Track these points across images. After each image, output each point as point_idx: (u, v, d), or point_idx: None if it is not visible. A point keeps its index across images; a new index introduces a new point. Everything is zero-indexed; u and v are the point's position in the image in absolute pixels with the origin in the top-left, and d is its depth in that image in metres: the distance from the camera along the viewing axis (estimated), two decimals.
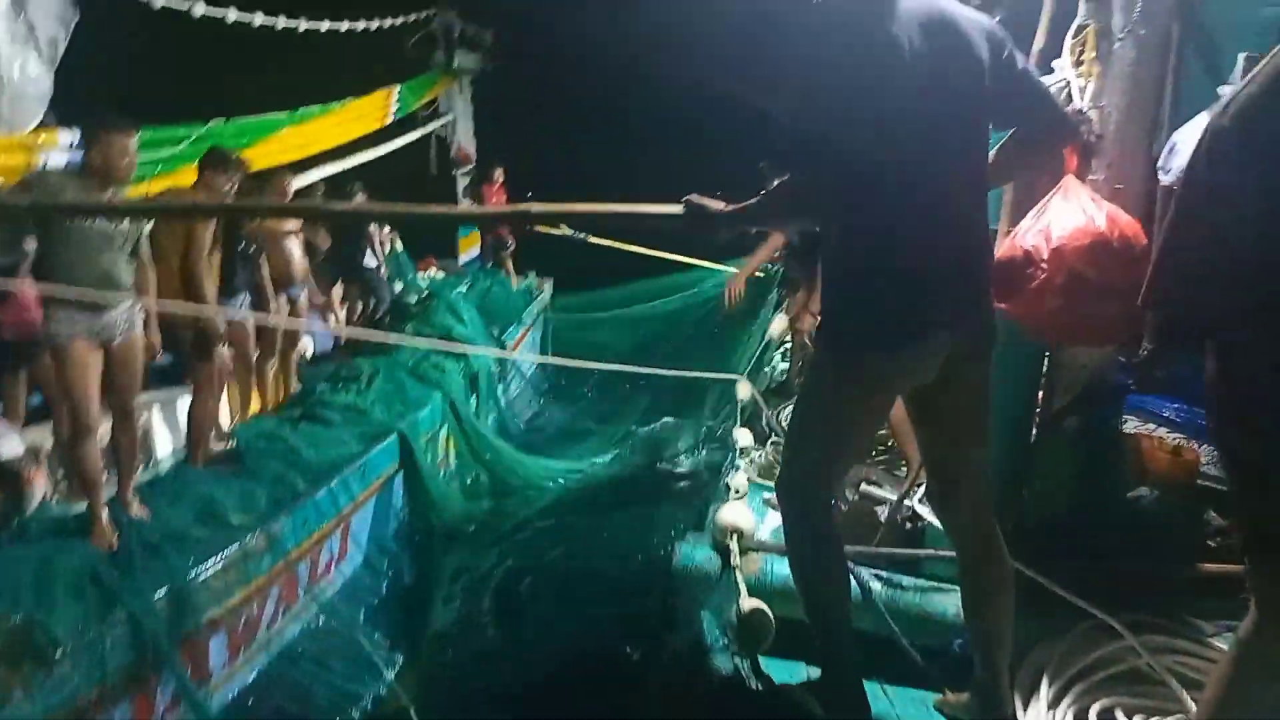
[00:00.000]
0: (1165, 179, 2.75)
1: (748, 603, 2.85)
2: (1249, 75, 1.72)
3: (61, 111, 4.48)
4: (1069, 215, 2.60)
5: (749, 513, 3.48)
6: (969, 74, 2.13)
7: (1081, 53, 3.03)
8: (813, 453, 2.37)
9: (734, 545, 3.25)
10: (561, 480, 7.69)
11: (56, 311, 3.71)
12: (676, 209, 2.43)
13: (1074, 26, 3.05)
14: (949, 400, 2.27)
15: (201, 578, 3.94)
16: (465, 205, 11.65)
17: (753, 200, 2.31)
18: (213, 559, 4.05)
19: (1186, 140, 2.68)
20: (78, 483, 4.12)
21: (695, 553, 3.33)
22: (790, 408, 5.73)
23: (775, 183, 2.26)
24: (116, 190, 3.91)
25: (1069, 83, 3.02)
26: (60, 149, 4.62)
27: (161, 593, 3.70)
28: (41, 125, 4.31)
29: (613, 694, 4.01)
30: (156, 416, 5.24)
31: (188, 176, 5.47)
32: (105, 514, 3.90)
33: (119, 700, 3.48)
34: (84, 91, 4.52)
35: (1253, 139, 1.67)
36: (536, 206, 2.82)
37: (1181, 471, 3.41)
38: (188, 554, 3.98)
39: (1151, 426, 4.22)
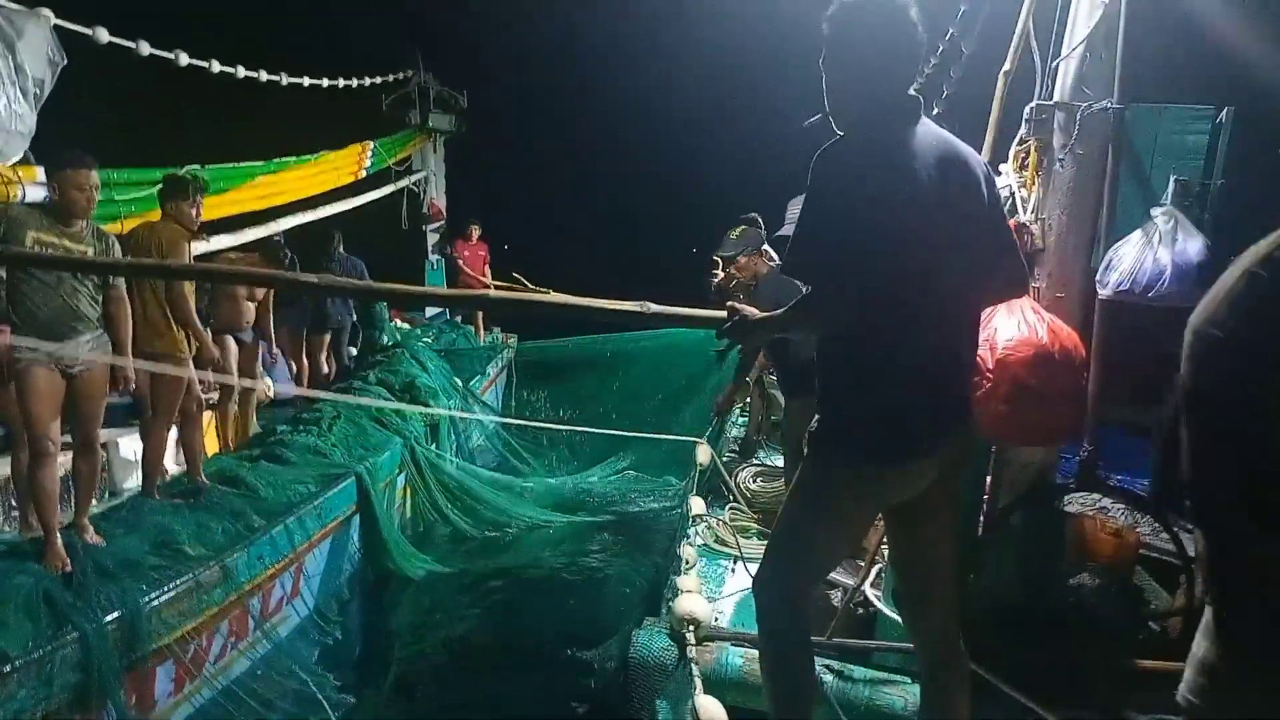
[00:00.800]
0: (1102, 292, 2.96)
1: (702, 700, 2.87)
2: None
3: (40, 149, 4.64)
4: (1012, 327, 2.75)
5: (704, 601, 3.55)
6: (973, 213, 2.26)
7: (1024, 162, 3.23)
8: (796, 556, 2.39)
9: (690, 636, 3.31)
10: (516, 532, 7.76)
11: (19, 339, 3.81)
12: (720, 314, 2.46)
13: (1018, 137, 3.26)
14: (929, 508, 2.33)
15: (152, 605, 3.99)
16: (442, 287, 11.79)
17: (783, 311, 2.33)
18: (164, 587, 4.10)
19: (1123, 255, 2.91)
20: (31, 510, 4.18)
21: (652, 641, 3.39)
22: (747, 469, 5.93)
23: (802, 296, 2.30)
24: (78, 223, 4.03)
25: (1013, 191, 3.21)
26: (36, 183, 4.79)
27: (112, 617, 3.75)
28: (22, 161, 4.46)
29: None
30: (119, 450, 5.30)
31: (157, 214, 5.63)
32: (59, 539, 3.96)
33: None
34: (65, 132, 4.65)
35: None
36: (653, 307, 2.67)
37: (1122, 552, 3.49)
38: (140, 581, 4.03)
39: (1096, 497, 4.36)
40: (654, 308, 2.63)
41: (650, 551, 6.89)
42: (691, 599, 3.51)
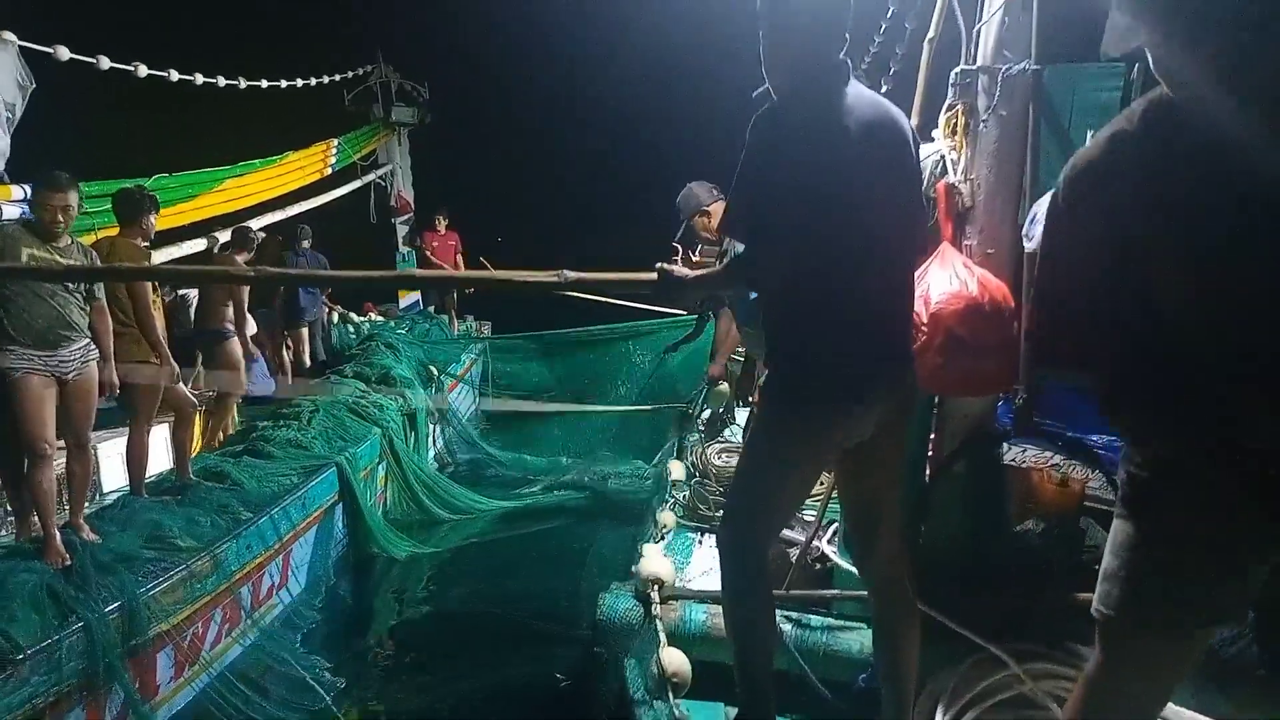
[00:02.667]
0: (1029, 245, 2.97)
1: (667, 652, 3.01)
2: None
3: (15, 169, 4.84)
4: (945, 281, 2.83)
5: (668, 562, 3.70)
6: (903, 172, 2.37)
7: (954, 127, 3.31)
8: (754, 504, 2.48)
9: (655, 594, 3.44)
10: (493, 512, 8.08)
11: (14, 350, 4.04)
12: (651, 276, 2.55)
13: (945, 104, 3.35)
14: (874, 455, 2.42)
15: (149, 594, 4.23)
16: (417, 269, 11.93)
17: (717, 269, 2.48)
18: (159, 578, 4.35)
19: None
20: (26, 511, 4.41)
21: (618, 602, 3.48)
22: (714, 446, 6.17)
23: (735, 254, 2.47)
24: (64, 240, 4.25)
25: (944, 156, 3.30)
26: (13, 202, 4.99)
27: (113, 607, 3.99)
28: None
29: None
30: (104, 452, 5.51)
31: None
32: (58, 536, 4.20)
33: (73, 706, 3.76)
34: (34, 150, 4.84)
35: (1104, 182, 1.70)
36: (570, 274, 2.67)
37: (1067, 501, 3.56)
38: (137, 572, 4.27)
39: (1048, 454, 4.57)
40: (571, 275, 2.65)
41: (625, 525, 7.19)
42: (656, 559, 3.70)
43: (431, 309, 11.86)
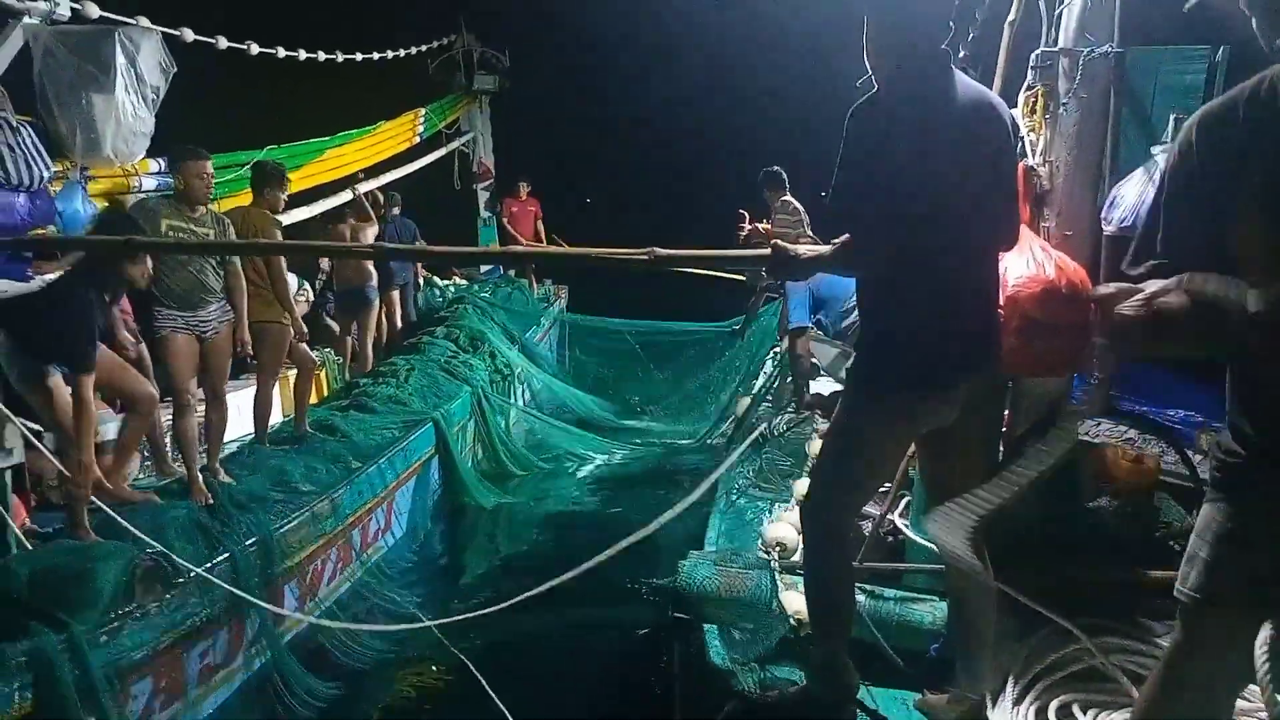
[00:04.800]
0: (1108, 228, 2.98)
1: (789, 597, 3.17)
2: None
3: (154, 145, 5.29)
4: (1022, 264, 2.81)
5: (792, 530, 3.71)
6: (1003, 158, 2.42)
7: (1033, 107, 3.33)
8: (840, 481, 2.56)
9: (775, 556, 3.55)
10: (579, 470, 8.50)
11: (162, 311, 4.51)
12: (765, 252, 2.59)
13: (1024, 86, 3.38)
14: (958, 436, 2.48)
15: (280, 532, 4.71)
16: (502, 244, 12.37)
17: (825, 249, 2.47)
18: (287, 518, 4.83)
19: (1126, 193, 2.95)
20: (163, 454, 4.92)
21: (697, 570, 3.56)
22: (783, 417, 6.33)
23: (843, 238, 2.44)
24: (200, 209, 4.70)
25: (1023, 138, 3.29)
26: (149, 174, 5.46)
27: (251, 541, 4.47)
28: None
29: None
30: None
31: (248, 196, 6.31)
32: (200, 478, 4.69)
33: (221, 625, 4.25)
34: (171, 127, 5.25)
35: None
36: (661, 251, 2.69)
37: (1141, 478, 3.51)
38: (268, 512, 4.76)
39: (1123, 429, 4.60)
40: (662, 252, 2.68)
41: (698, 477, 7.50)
42: (781, 526, 3.78)
43: (512, 272, 12.26)
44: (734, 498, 5.03)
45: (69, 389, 3.88)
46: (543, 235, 11.98)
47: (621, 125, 14.49)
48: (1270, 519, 1.67)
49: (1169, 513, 3.66)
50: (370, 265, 7.46)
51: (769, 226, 6.58)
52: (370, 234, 7.85)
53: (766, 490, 5.06)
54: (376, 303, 7.60)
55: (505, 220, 11.79)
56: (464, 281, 11.48)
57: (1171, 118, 3.00)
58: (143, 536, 3.90)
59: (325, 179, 8.00)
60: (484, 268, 12.35)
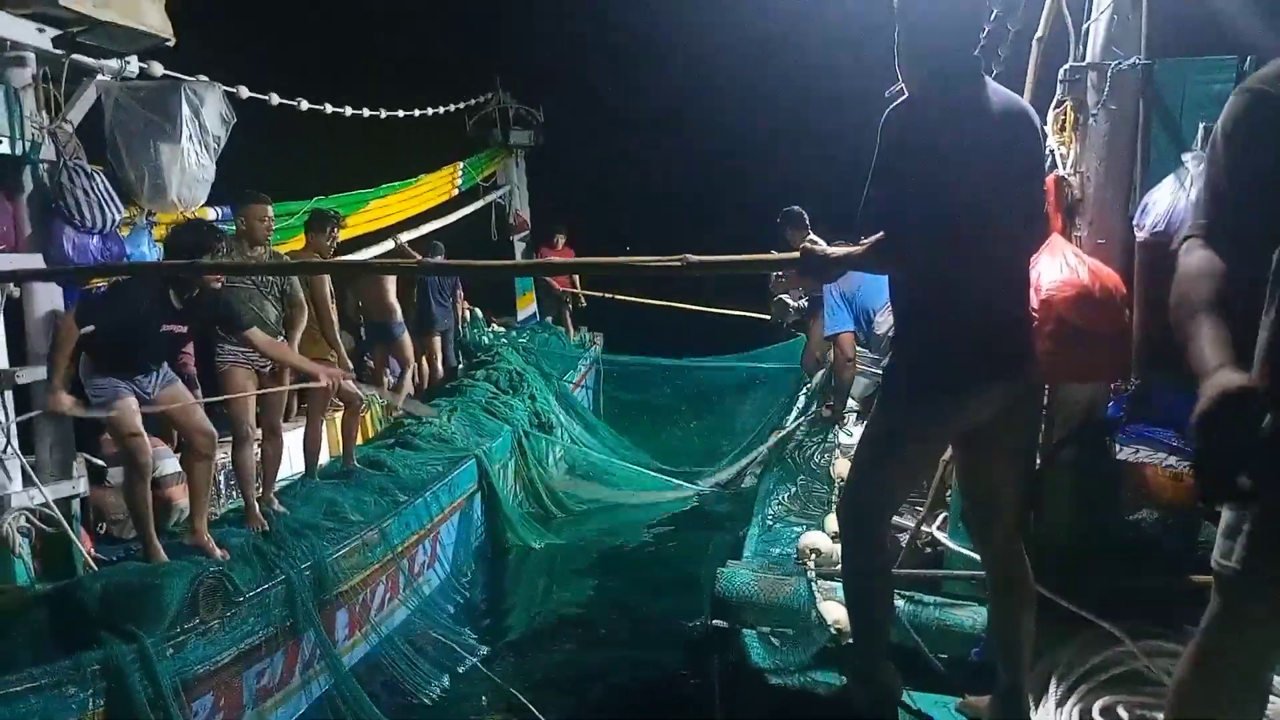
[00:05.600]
0: (1140, 235, 3.01)
1: (825, 605, 3.26)
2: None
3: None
4: (1055, 269, 2.88)
5: (826, 538, 3.79)
6: (1033, 165, 2.48)
7: (1063, 124, 3.43)
8: (875, 481, 2.59)
9: (811, 563, 3.66)
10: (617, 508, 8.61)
11: (224, 346, 4.74)
12: (795, 255, 2.65)
13: (1054, 100, 3.40)
14: (994, 442, 2.50)
15: (333, 558, 4.87)
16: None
17: (857, 249, 2.51)
18: (339, 545, 4.98)
19: (1157, 200, 2.99)
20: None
21: (735, 578, 3.62)
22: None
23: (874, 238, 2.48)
24: (259, 249, 4.97)
25: (1053, 150, 3.42)
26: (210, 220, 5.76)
27: (306, 565, 4.62)
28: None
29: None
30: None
31: (299, 241, 6.61)
32: (257, 506, 4.87)
33: (277, 647, 4.39)
34: (225, 176, 5.53)
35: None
36: (694, 257, 2.77)
37: (1181, 494, 3.51)
38: (321, 539, 4.91)
39: (1162, 455, 4.53)
40: (694, 258, 2.72)
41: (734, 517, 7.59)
42: (815, 535, 3.90)
43: (550, 319, 12.51)
44: (770, 522, 5.09)
45: (138, 414, 4.10)
46: (578, 283, 12.25)
47: (657, 174, 14.86)
48: None
49: (1208, 532, 3.48)
50: (394, 301, 7.63)
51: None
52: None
53: (802, 518, 5.06)
54: (405, 338, 7.77)
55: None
56: (501, 329, 11.74)
57: (1200, 126, 3.04)
58: (212, 553, 4.12)
59: (368, 229, 8.32)
60: (521, 314, 12.61)
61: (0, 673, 3.17)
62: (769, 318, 9.32)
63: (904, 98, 2.47)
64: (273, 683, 4.44)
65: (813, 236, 2.68)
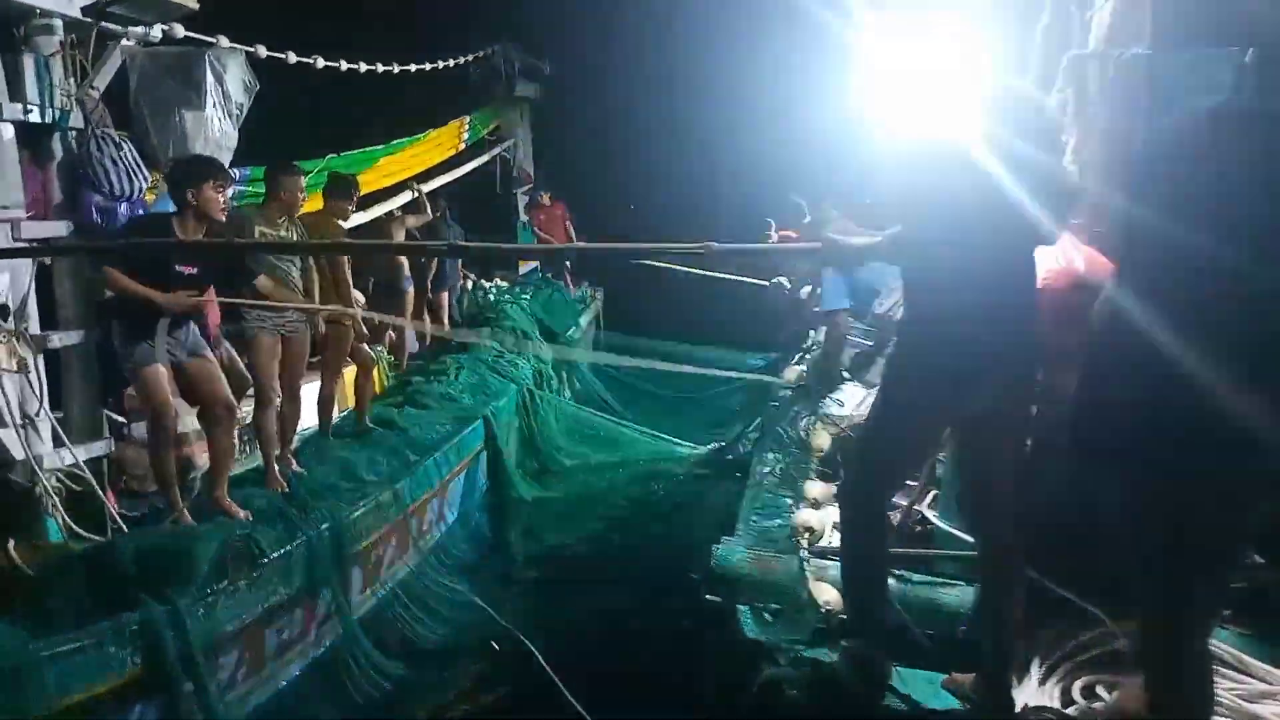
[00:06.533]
0: None
1: (820, 587, 3.31)
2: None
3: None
4: (1051, 258, 2.91)
5: (822, 515, 3.87)
6: (1039, 156, 2.44)
7: (1065, 111, 3.44)
8: (873, 466, 2.69)
9: (804, 542, 3.73)
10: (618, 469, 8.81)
11: (252, 312, 4.85)
12: (817, 245, 2.84)
13: (1055, 89, 3.43)
14: (992, 427, 2.57)
15: (350, 518, 5.04)
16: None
17: (876, 239, 2.62)
18: (356, 505, 5.15)
19: None
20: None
21: (731, 554, 3.69)
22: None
23: (893, 230, 2.59)
24: (284, 219, 5.06)
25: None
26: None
27: (325, 526, 4.79)
28: None
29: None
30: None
31: (315, 201, 6.67)
32: (276, 467, 5.03)
33: (298, 604, 4.58)
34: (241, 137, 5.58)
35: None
36: (716, 245, 2.81)
37: None
38: (339, 499, 5.09)
39: None
40: (717, 246, 2.77)
41: (730, 479, 7.78)
42: (809, 513, 4.02)
43: (550, 274, 12.60)
44: (763, 494, 5.16)
45: (167, 377, 4.22)
46: (573, 237, 12.31)
47: (664, 131, 14.76)
48: None
49: None
50: (401, 259, 7.77)
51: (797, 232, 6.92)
52: (411, 223, 8.32)
53: (790, 491, 5.03)
54: (410, 294, 7.91)
55: (536, 228, 12.19)
56: (504, 284, 11.83)
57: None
58: (235, 515, 4.31)
59: (380, 185, 8.38)
60: (523, 269, 12.69)
61: (43, 627, 3.36)
62: (766, 284, 9.43)
63: None
64: (292, 636, 4.64)
65: (831, 235, 2.76)
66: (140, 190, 4.52)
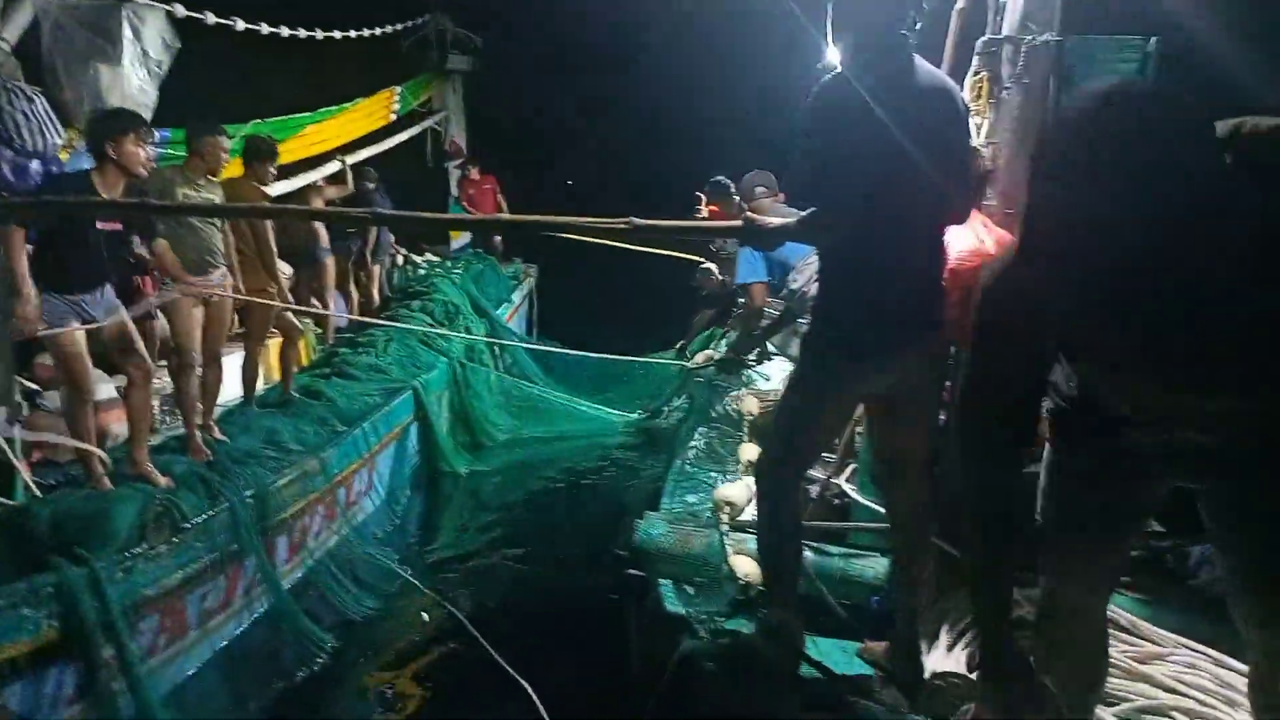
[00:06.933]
0: None
1: (737, 559, 3.39)
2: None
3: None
4: (964, 240, 2.96)
5: (744, 489, 3.89)
6: (949, 144, 2.52)
7: (979, 95, 3.54)
8: (787, 441, 2.72)
9: (725, 516, 3.78)
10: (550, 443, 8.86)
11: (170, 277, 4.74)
12: (736, 224, 2.86)
13: (970, 72, 3.52)
14: (903, 404, 2.63)
15: (274, 486, 4.98)
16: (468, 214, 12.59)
17: (791, 221, 2.65)
18: (280, 474, 5.10)
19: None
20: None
21: (653, 529, 3.72)
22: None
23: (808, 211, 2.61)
24: (206, 180, 4.95)
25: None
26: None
27: (249, 493, 4.74)
28: None
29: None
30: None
31: (235, 168, 6.51)
32: (198, 435, 4.95)
33: (222, 570, 4.52)
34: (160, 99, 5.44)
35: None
36: (639, 221, 2.81)
37: None
38: (263, 468, 5.03)
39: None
40: (640, 222, 2.80)
41: (657, 455, 7.89)
42: (730, 487, 4.07)
43: (481, 249, 12.50)
44: (687, 468, 5.25)
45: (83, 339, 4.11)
46: (504, 209, 12.22)
47: (600, 106, 14.74)
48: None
49: None
50: (321, 228, 7.64)
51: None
52: (331, 194, 8.22)
53: (716, 465, 5.20)
54: (328, 263, 7.80)
55: (465, 203, 12.10)
56: (435, 258, 11.70)
57: None
58: (155, 481, 4.21)
59: (306, 154, 8.20)
60: (454, 244, 12.57)
61: None
62: (697, 268, 9.47)
63: (833, 72, 2.60)
64: (216, 604, 4.58)
65: (750, 215, 2.84)
66: (54, 147, 4.39)
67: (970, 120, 2.83)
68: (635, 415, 8.96)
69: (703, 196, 7.23)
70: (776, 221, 2.79)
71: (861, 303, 2.51)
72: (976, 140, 3.41)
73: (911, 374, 2.58)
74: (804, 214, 2.58)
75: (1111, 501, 1.91)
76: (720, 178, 7.01)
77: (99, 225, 4.12)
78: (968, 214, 2.81)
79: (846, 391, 2.68)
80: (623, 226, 2.82)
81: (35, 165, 4.29)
